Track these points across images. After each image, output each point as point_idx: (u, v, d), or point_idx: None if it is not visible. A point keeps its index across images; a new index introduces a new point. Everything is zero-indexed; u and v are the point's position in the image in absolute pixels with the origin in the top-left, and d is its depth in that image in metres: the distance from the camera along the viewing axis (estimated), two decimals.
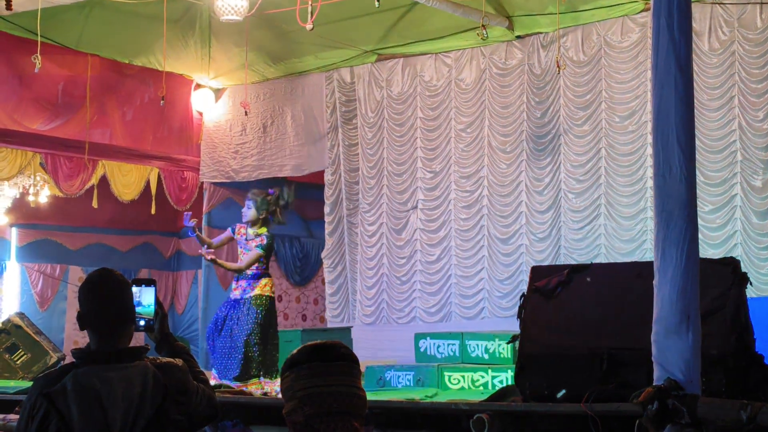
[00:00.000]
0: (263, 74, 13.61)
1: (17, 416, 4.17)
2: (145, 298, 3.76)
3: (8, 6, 8.81)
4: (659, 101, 4.88)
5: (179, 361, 3.60)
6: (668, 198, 4.81)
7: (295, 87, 13.67)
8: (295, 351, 2.83)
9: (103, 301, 3.53)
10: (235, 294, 9.43)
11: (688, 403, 4.43)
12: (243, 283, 9.38)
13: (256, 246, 9.39)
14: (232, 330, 9.18)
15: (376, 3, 8.34)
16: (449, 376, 9.40)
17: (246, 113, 12.54)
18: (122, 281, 3.60)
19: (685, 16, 4.90)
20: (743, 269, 10.11)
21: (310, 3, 9.19)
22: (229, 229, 9.79)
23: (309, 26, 9.33)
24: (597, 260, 11.07)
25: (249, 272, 9.39)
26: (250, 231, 9.51)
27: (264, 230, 9.52)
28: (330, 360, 2.77)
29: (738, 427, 4.42)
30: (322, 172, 13.44)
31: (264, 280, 9.39)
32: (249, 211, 9.53)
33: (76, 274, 15.97)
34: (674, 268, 4.72)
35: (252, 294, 9.28)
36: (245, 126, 13.90)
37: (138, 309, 3.68)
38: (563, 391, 5.07)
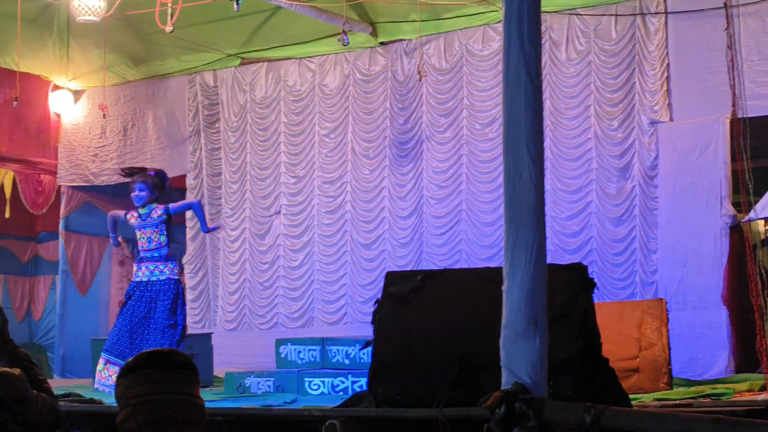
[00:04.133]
0: (124, 76, 13.39)
1: None
2: None
3: None
4: (510, 110, 4.95)
5: (16, 371, 3.50)
6: (518, 205, 4.87)
7: (156, 90, 13.48)
8: (130, 358, 2.78)
9: None
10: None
11: (534, 406, 4.50)
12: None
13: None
14: None
15: (235, 7, 8.28)
16: (309, 382, 9.37)
17: (104, 116, 12.31)
18: None
19: (535, 26, 4.98)
20: (598, 274, 10.49)
21: (169, 5, 9.09)
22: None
23: (169, 28, 9.25)
24: (458, 265, 11.21)
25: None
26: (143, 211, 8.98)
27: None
28: (166, 367, 2.72)
29: (582, 429, 4.50)
30: (184, 176, 13.27)
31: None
32: (144, 192, 8.92)
33: None
34: (523, 273, 4.78)
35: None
36: (105, 129, 13.64)
37: None
38: None
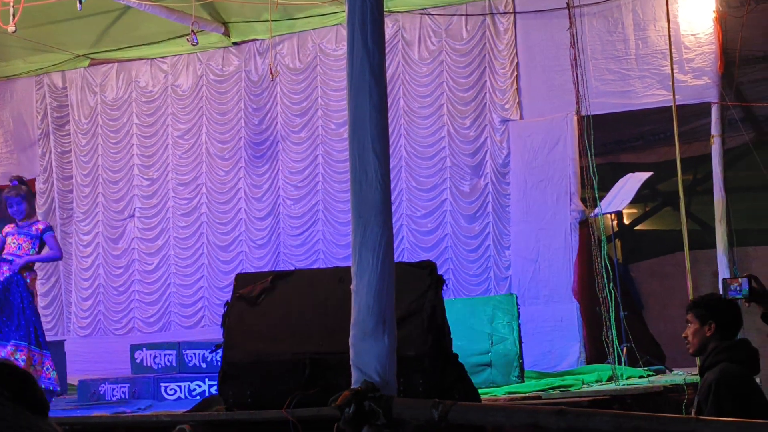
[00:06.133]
0: None
1: None
2: None
3: None
4: (355, 109, 4.97)
5: None
6: (364, 204, 4.92)
7: (2, 92, 13.08)
8: None
9: None
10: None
11: (383, 404, 4.52)
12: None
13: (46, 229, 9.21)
14: None
15: (78, 6, 8.10)
16: (165, 387, 9.25)
17: None
18: None
19: (378, 26, 5.01)
20: (454, 271, 10.61)
21: (11, 4, 8.83)
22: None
23: (11, 28, 8.99)
24: (316, 265, 11.20)
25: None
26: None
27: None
28: None
29: (431, 425, 4.55)
30: (34, 180, 12.90)
31: None
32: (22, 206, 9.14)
33: None
34: (370, 272, 4.82)
35: None
36: None
37: None
38: None
